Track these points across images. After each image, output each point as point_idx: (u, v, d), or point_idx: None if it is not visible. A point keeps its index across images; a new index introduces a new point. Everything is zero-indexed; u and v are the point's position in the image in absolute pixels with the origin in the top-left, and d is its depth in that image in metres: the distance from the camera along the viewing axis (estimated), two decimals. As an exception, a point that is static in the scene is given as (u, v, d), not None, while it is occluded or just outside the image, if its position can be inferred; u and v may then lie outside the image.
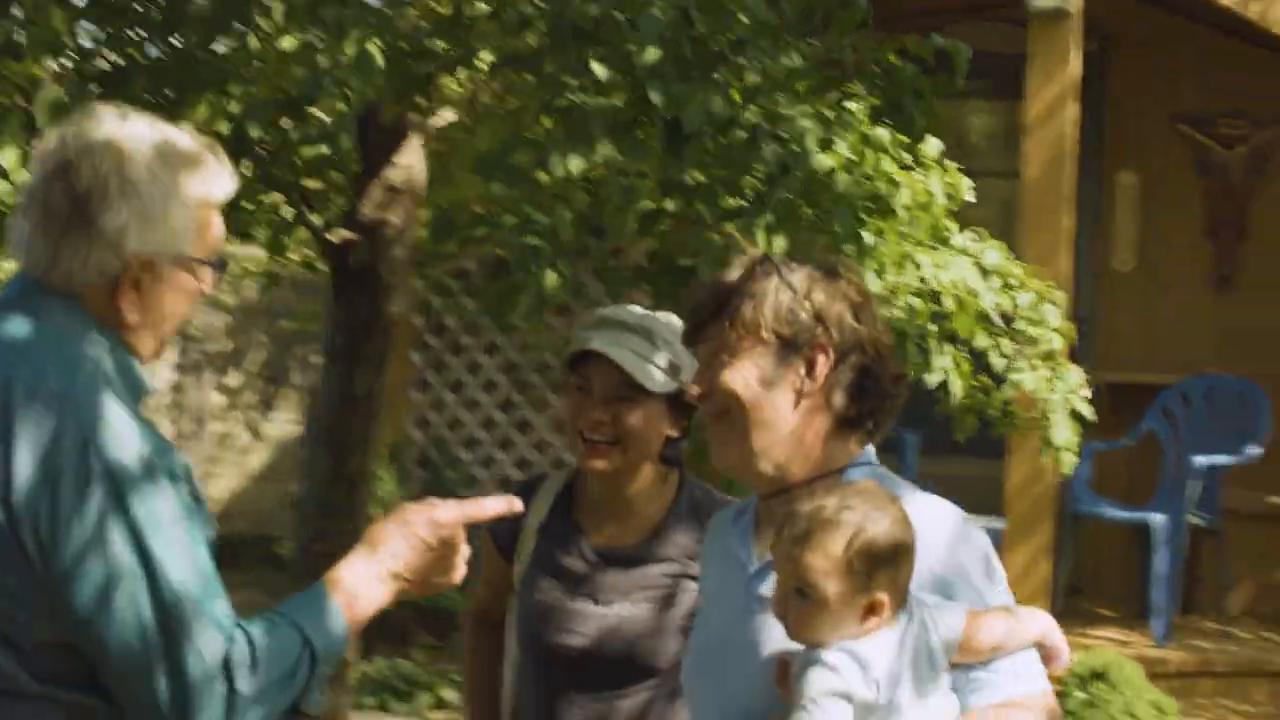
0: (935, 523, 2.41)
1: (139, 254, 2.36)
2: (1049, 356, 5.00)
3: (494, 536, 3.50)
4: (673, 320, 3.29)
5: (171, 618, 2.20)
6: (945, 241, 4.86)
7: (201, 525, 2.33)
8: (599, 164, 4.11)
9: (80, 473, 2.21)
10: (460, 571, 2.47)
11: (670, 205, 4.30)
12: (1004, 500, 7.33)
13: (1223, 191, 8.84)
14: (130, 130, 2.41)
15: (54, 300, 2.38)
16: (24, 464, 2.21)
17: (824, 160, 4.16)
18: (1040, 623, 2.44)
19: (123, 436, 2.26)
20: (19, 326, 2.36)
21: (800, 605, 2.31)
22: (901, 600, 2.32)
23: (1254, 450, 8.00)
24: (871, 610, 2.29)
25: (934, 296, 4.75)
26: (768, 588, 2.45)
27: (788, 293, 2.51)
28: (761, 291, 2.52)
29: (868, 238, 4.34)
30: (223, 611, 2.25)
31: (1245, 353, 8.54)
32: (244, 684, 2.22)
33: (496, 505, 2.53)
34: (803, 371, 2.50)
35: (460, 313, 9.39)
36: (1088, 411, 5.02)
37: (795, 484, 2.52)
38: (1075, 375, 5.01)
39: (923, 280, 4.73)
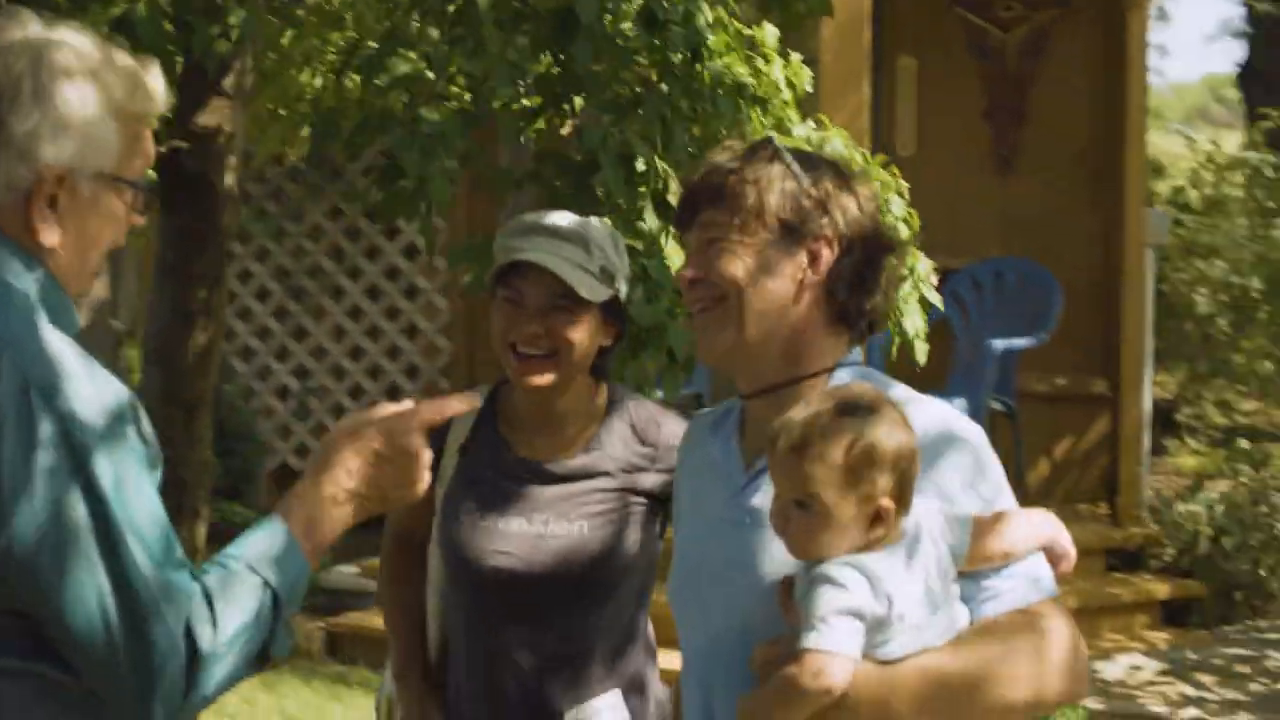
0: (926, 426, 2.34)
1: (53, 166, 2.17)
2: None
3: None
4: (604, 225, 3.27)
5: (136, 588, 2.04)
6: (788, 133, 4.88)
7: (152, 468, 2.15)
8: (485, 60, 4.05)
9: (24, 423, 2.01)
10: (424, 482, 2.30)
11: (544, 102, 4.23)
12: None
13: (1000, 75, 9.01)
14: (52, 34, 2.22)
15: None
16: None
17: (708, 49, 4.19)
18: (1047, 524, 2.40)
19: (71, 378, 2.07)
20: None
21: (801, 518, 2.25)
22: (906, 508, 2.27)
23: (1044, 334, 8.27)
24: (877, 519, 2.24)
25: None
26: (760, 498, 2.41)
27: (793, 180, 2.46)
28: (766, 177, 2.46)
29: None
30: (183, 571, 2.09)
31: (1026, 235, 8.76)
32: (206, 643, 2.07)
33: (456, 405, 2.36)
34: (805, 262, 2.45)
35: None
36: (936, 299, 5.04)
37: (784, 381, 2.48)
38: (924, 263, 5.02)
39: None
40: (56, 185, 2.18)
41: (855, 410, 2.25)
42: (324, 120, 4.27)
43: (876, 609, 2.19)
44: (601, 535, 3.21)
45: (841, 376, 2.49)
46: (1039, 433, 8.69)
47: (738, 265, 2.45)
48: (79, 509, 2.03)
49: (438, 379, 9.32)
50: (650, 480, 3.23)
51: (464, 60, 3.98)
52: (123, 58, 2.27)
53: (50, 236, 2.19)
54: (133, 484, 2.07)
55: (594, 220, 3.29)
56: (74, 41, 2.23)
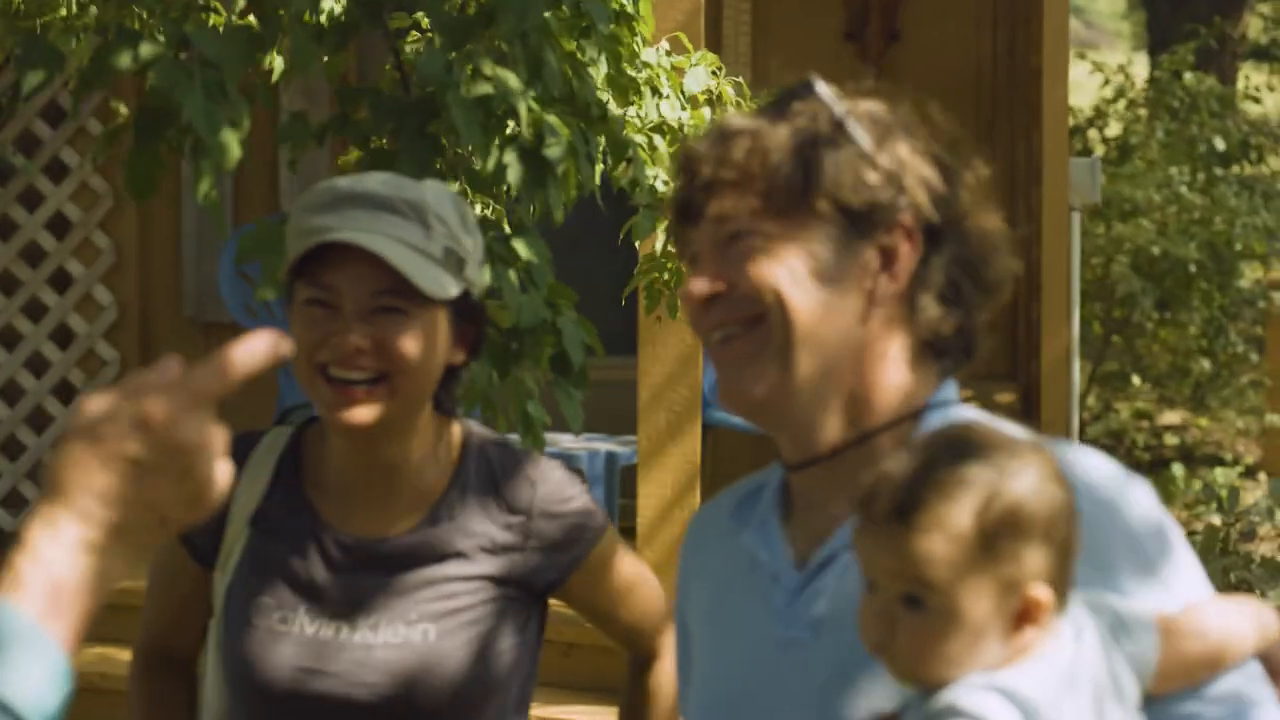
0: (1088, 483, 2.15)
1: None
2: None
3: (183, 534, 3.10)
4: (446, 190, 3.11)
5: None
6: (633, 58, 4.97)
7: None
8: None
9: None
10: (218, 486, 1.86)
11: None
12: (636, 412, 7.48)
13: None
14: None
15: None
16: None
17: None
18: (1258, 619, 2.21)
19: None
20: None
21: (912, 620, 2.04)
22: (1066, 599, 2.07)
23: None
24: (1026, 616, 2.03)
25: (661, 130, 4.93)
26: (825, 606, 2.28)
27: (851, 144, 2.27)
28: (812, 140, 2.27)
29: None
30: None
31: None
32: None
33: (253, 351, 1.83)
34: (876, 265, 2.28)
35: None
36: None
37: (851, 440, 2.31)
38: None
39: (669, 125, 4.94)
40: None
41: (984, 455, 2.05)
42: (29, 44, 4.06)
43: None
44: (454, 643, 3.06)
45: (935, 422, 2.29)
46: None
47: (779, 271, 2.26)
48: None
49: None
50: (522, 564, 3.11)
51: None
52: None
53: None
54: None
55: (432, 184, 3.11)
56: None
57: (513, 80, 3.97)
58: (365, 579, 3.07)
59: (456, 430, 3.17)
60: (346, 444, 3.07)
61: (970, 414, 2.30)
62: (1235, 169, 14.72)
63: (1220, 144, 14.49)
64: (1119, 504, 2.18)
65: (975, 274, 2.32)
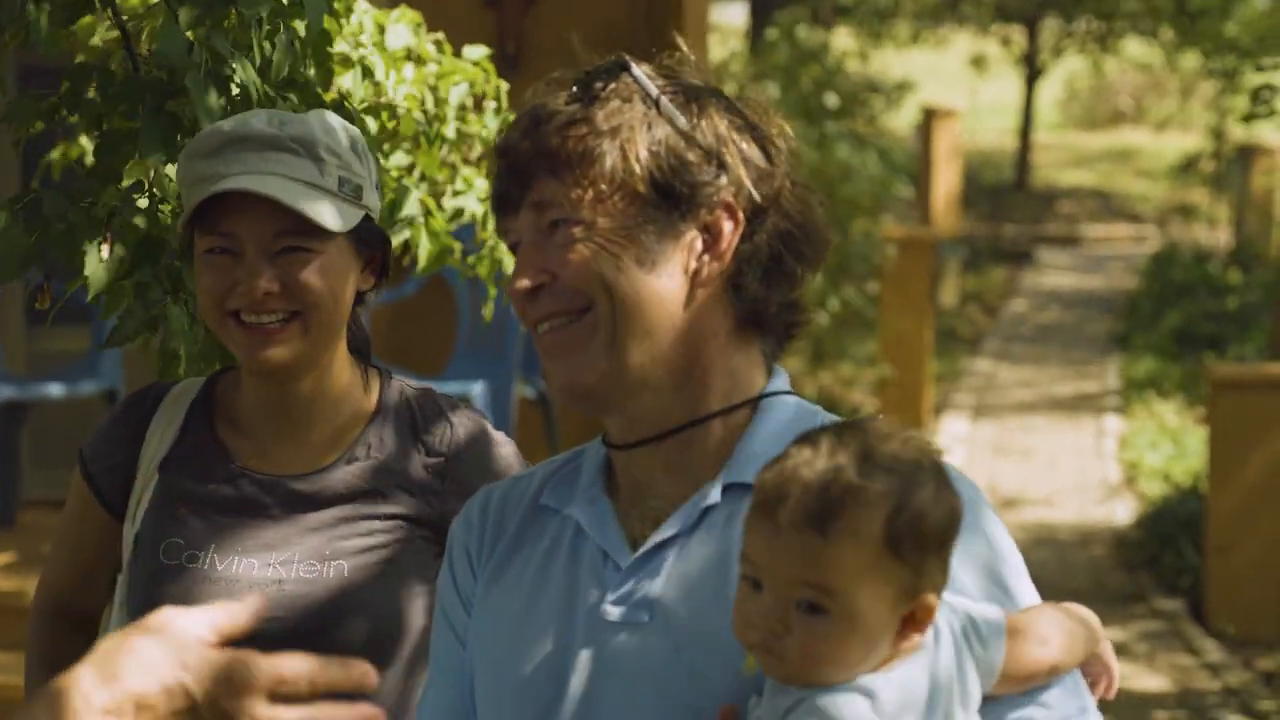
0: None
1: None
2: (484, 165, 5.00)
3: (91, 479, 3.27)
4: (330, 118, 3.16)
5: None
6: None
7: None
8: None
9: None
10: None
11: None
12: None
13: None
14: None
15: None
16: None
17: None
18: (1091, 629, 2.32)
19: None
20: None
21: (810, 624, 2.07)
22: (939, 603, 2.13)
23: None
24: (914, 622, 2.10)
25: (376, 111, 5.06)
26: (659, 586, 2.31)
27: (666, 123, 2.30)
28: (627, 123, 2.29)
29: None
30: None
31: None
32: None
33: (345, 673, 2.01)
34: (700, 246, 2.32)
35: None
36: None
37: (684, 423, 2.36)
38: None
39: (377, 88, 5.04)
40: None
41: (894, 458, 2.10)
42: None
43: None
44: (368, 580, 3.11)
45: (774, 411, 2.38)
46: (576, 430, 9.16)
47: (602, 259, 2.29)
48: None
49: None
50: (440, 505, 3.13)
51: None
52: None
53: None
54: None
55: (317, 114, 3.18)
56: None
57: (248, 66, 3.96)
58: (279, 515, 3.12)
59: (375, 375, 3.25)
60: (262, 383, 3.14)
61: (805, 407, 2.40)
62: (847, 124, 15.25)
63: (833, 99, 15.03)
64: (970, 514, 2.19)
65: (796, 248, 2.36)
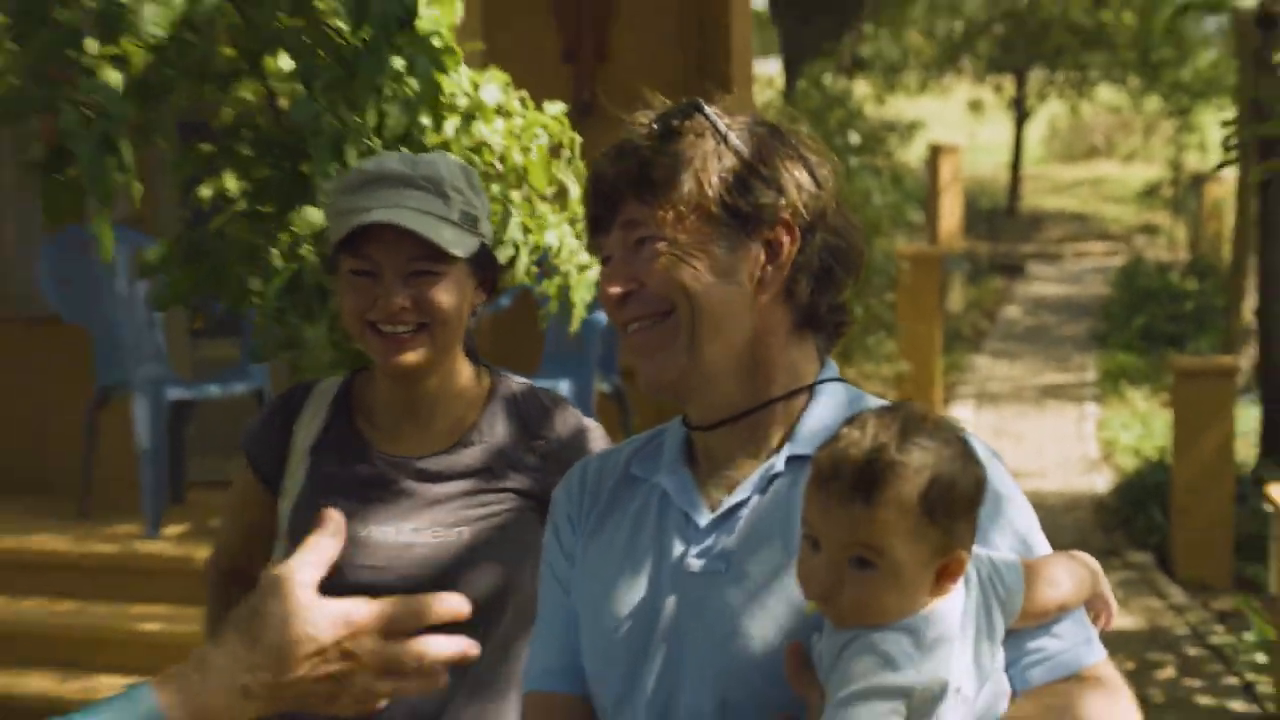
0: None
1: None
2: (564, 203, 5.17)
3: (254, 463, 3.31)
4: (453, 161, 3.18)
5: None
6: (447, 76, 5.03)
7: None
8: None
9: None
10: (365, 706, 2.02)
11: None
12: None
13: (575, 11, 9.55)
14: None
15: None
16: None
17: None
18: (1088, 570, 2.33)
19: None
20: None
21: (861, 578, 2.09)
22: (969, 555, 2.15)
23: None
24: (947, 574, 2.12)
25: (477, 150, 5.03)
26: (735, 542, 2.32)
27: (733, 154, 2.32)
28: (700, 154, 2.31)
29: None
30: None
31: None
32: None
33: (446, 606, 2.07)
34: (763, 257, 2.33)
35: None
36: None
37: (754, 407, 2.37)
38: None
39: (473, 134, 5.03)
40: None
41: (927, 437, 2.12)
42: None
43: (927, 683, 2.08)
44: (487, 545, 3.13)
45: (827, 395, 2.39)
46: (648, 418, 9.17)
47: (682, 270, 2.30)
48: None
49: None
50: (542, 481, 3.12)
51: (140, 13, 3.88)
52: None
53: None
54: None
55: (442, 157, 3.18)
56: None
57: (366, 128, 4.06)
58: (409, 491, 3.17)
59: (485, 373, 3.28)
60: (394, 382, 3.18)
61: (854, 392, 2.42)
62: (868, 158, 15.22)
63: (855, 137, 14.99)
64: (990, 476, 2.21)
65: (842, 257, 2.37)
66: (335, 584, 3.01)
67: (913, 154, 24.83)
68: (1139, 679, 8.26)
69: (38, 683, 7.22)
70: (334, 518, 2.10)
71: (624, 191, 2.34)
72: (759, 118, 2.43)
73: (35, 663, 7.36)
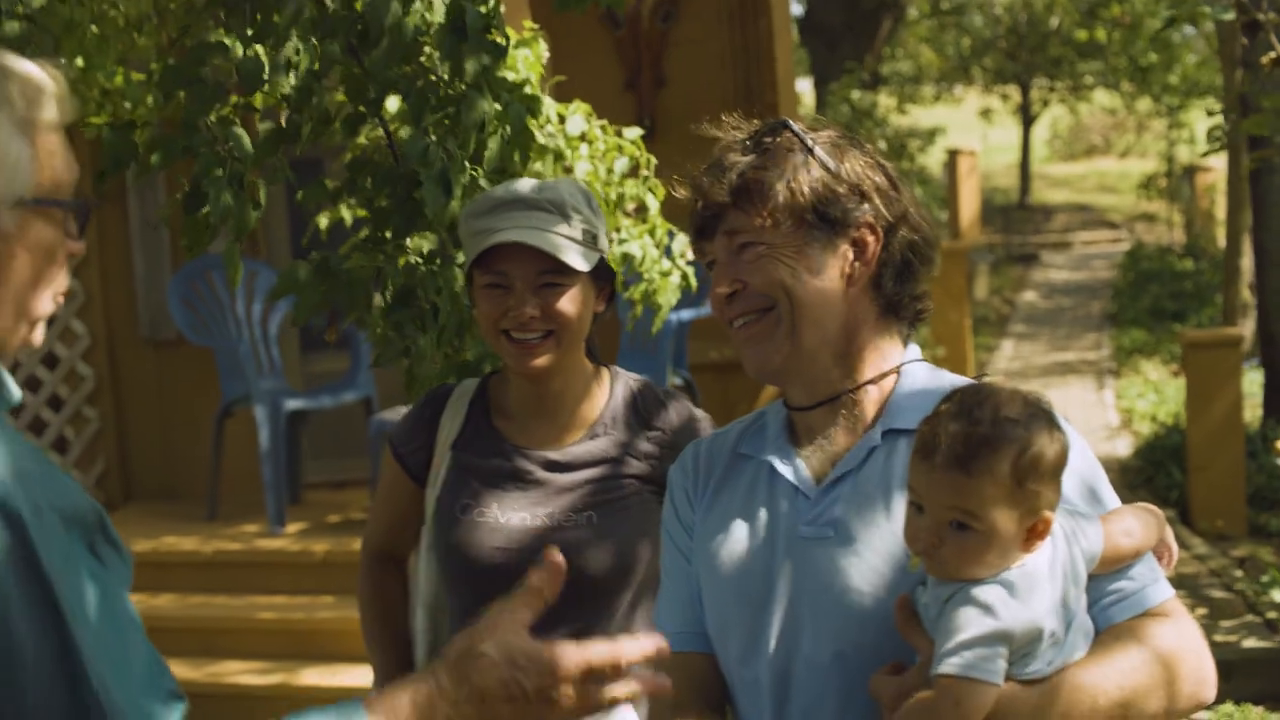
0: None
1: None
2: (643, 217, 5.21)
3: (401, 459, 3.33)
4: (574, 184, 3.23)
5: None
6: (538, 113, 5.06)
7: (125, 582, 1.90)
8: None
9: None
10: (565, 710, 1.99)
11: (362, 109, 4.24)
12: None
13: (634, 41, 9.49)
14: None
15: None
16: None
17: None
18: (1154, 519, 2.36)
19: (21, 477, 1.78)
20: None
21: (959, 539, 2.13)
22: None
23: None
24: (1035, 533, 2.15)
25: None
26: (841, 510, 2.35)
27: (820, 166, 2.36)
28: (791, 167, 2.35)
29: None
30: (169, 705, 1.87)
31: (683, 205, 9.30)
32: None
33: (640, 647, 2.01)
34: (850, 254, 2.36)
35: None
36: (691, 278, 5.16)
37: (849, 389, 2.41)
38: (682, 238, 5.13)
39: (568, 168, 5.05)
40: None
41: (1017, 412, 2.16)
42: (119, 136, 4.10)
43: (1024, 628, 2.12)
44: (612, 526, 3.15)
45: (912, 375, 2.43)
46: (714, 406, 9.16)
47: (781, 270, 2.35)
48: (38, 639, 1.75)
49: (90, 448, 9.20)
50: (661, 469, 3.12)
51: (272, 70, 3.95)
52: (13, 62, 1.96)
53: None
54: (98, 606, 1.82)
55: (562, 182, 3.23)
56: None
57: (467, 163, 4.09)
58: (541, 480, 3.20)
59: (605, 372, 3.31)
60: (525, 383, 3.22)
61: (932, 370, 2.46)
62: (895, 163, 15.19)
63: (882, 145, 14.96)
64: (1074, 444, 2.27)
65: (920, 252, 2.43)
66: (473, 564, 3.15)
67: (933, 158, 24.77)
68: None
69: (173, 670, 7.22)
70: (555, 559, 2.06)
71: (725, 203, 2.38)
72: (840, 131, 2.47)
73: (170, 652, 7.36)
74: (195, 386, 8.94)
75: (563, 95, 9.23)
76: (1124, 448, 13.38)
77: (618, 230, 5.16)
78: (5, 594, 1.72)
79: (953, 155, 22.82)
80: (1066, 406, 15.47)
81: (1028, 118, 29.19)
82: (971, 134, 30.83)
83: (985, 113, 30.42)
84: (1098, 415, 15.05)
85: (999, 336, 19.95)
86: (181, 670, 7.33)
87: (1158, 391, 15.30)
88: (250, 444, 8.39)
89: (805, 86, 24.55)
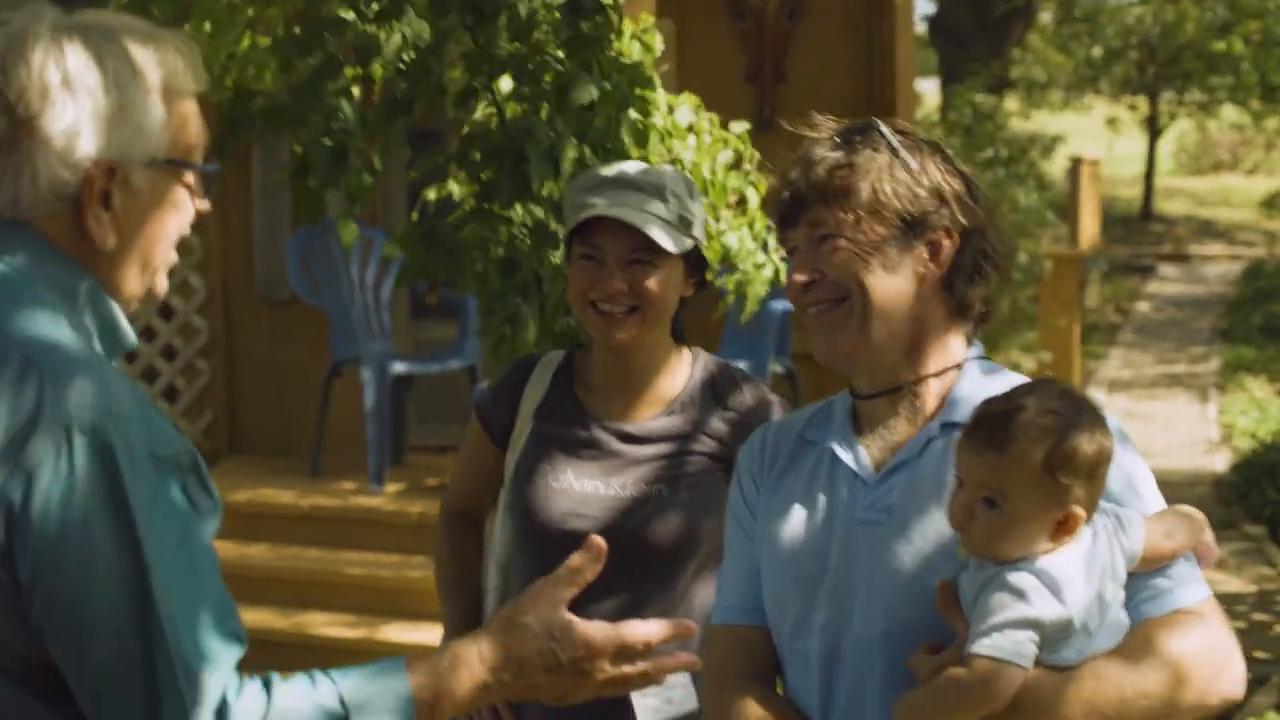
0: None
1: (100, 160, 2.02)
2: (744, 209, 5.23)
3: (485, 422, 3.40)
4: (677, 172, 3.31)
5: (162, 659, 1.89)
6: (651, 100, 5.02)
7: (211, 525, 2.01)
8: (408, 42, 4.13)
9: (63, 463, 1.87)
10: (598, 685, 2.13)
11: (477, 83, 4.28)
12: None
13: (759, 35, 9.54)
14: (74, 20, 2.06)
15: (8, 235, 2.03)
16: None
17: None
18: (1196, 521, 2.39)
19: (118, 416, 1.92)
20: None
21: (988, 516, 2.21)
22: (1092, 513, 2.25)
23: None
24: (1064, 526, 2.21)
25: (672, 164, 5.08)
26: (897, 497, 2.42)
27: (904, 169, 2.42)
28: (876, 168, 2.41)
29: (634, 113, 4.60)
30: (227, 652, 1.95)
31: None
32: None
33: (671, 629, 2.16)
34: (925, 255, 2.42)
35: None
36: (784, 272, 5.11)
37: (911, 380, 2.46)
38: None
39: (673, 156, 5.11)
40: (107, 180, 2.04)
41: (1061, 410, 2.21)
42: (238, 102, 4.25)
43: (1054, 618, 2.19)
44: (681, 500, 3.19)
45: (973, 371, 2.48)
46: (814, 395, 9.16)
47: (857, 264, 2.40)
48: (119, 569, 1.89)
49: (199, 399, 9.35)
50: (730, 447, 3.15)
51: (391, 45, 4.05)
52: (153, 32, 2.11)
53: (107, 239, 2.06)
54: (180, 545, 1.93)
55: (666, 168, 3.31)
56: (99, 24, 2.08)
57: (574, 141, 4.19)
58: (618, 452, 3.25)
59: (687, 352, 3.36)
60: (609, 356, 3.28)
61: (992, 367, 2.51)
62: (1014, 168, 15.09)
63: (1003, 150, 14.87)
64: (1119, 445, 2.32)
65: (991, 259, 2.49)
66: (544, 527, 3.20)
67: (1056, 165, 24.57)
68: (1249, 638, 8.16)
69: (258, 617, 7.38)
70: (597, 544, 2.19)
71: (809, 196, 2.44)
72: (926, 137, 2.52)
73: (260, 601, 7.53)
74: (306, 345, 9.07)
75: (684, 82, 9.30)
76: (1221, 463, 13.30)
77: (717, 220, 5.20)
78: (91, 518, 1.86)
79: (1076, 163, 22.64)
80: (1170, 418, 15.37)
81: (1154, 129, 28.86)
82: (1097, 142, 30.48)
83: (1112, 122, 30.09)
84: (1200, 429, 14.94)
85: (1108, 345, 19.80)
86: (269, 618, 7.48)
87: (1261, 409, 15.16)
88: (356, 404, 8.51)
89: (932, 87, 24.45)
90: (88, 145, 2.02)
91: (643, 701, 3.16)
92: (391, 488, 8.30)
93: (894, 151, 2.44)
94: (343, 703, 1.97)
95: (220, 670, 1.91)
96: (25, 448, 1.87)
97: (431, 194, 5.14)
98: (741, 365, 7.92)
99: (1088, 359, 18.04)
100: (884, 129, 2.47)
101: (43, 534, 1.87)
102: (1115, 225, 27.20)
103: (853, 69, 9.47)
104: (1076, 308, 15.07)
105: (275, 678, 1.97)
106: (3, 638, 1.93)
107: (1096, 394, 16.09)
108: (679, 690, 3.17)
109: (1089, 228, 21.67)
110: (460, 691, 2.06)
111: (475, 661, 2.07)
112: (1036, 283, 14.58)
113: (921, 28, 22.32)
